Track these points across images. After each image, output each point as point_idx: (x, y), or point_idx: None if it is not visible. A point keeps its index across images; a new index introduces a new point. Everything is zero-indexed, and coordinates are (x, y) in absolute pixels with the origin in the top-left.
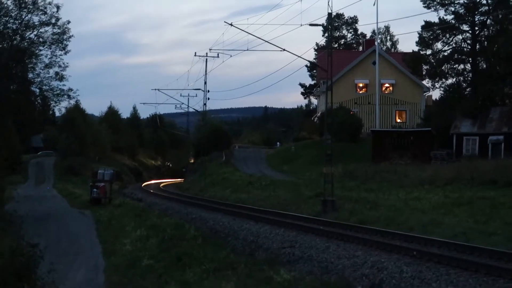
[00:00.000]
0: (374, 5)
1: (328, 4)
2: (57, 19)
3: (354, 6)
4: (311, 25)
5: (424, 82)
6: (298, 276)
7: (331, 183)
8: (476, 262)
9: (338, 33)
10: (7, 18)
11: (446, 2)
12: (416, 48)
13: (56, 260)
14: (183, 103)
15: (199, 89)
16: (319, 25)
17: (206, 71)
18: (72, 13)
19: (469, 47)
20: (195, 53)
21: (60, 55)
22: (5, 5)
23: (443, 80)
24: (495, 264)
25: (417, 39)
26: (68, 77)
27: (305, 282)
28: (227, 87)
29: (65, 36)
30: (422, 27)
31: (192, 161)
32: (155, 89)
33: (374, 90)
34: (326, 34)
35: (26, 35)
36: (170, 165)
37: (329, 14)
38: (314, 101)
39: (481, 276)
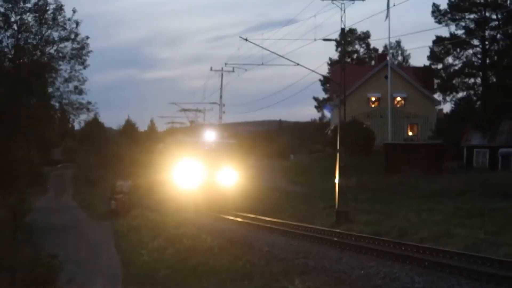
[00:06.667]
0: (386, 20)
1: (341, 20)
2: (76, 34)
3: (367, 21)
4: (324, 40)
5: (435, 95)
6: (313, 286)
7: (344, 194)
8: (487, 272)
9: (351, 47)
10: (28, 34)
11: (457, 17)
12: (427, 63)
13: (75, 270)
14: (199, 117)
15: (215, 102)
16: (333, 40)
17: (221, 85)
18: (93, 29)
19: (480, 61)
20: (211, 67)
21: (79, 69)
22: (26, 21)
23: (454, 93)
24: (505, 274)
25: (428, 54)
26: (87, 91)
27: None
28: (243, 101)
29: (84, 51)
30: (434, 42)
31: None
32: (172, 103)
33: (386, 103)
34: (339, 49)
35: (46, 50)
36: None
37: (342, 30)
38: (328, 114)
39: (491, 286)
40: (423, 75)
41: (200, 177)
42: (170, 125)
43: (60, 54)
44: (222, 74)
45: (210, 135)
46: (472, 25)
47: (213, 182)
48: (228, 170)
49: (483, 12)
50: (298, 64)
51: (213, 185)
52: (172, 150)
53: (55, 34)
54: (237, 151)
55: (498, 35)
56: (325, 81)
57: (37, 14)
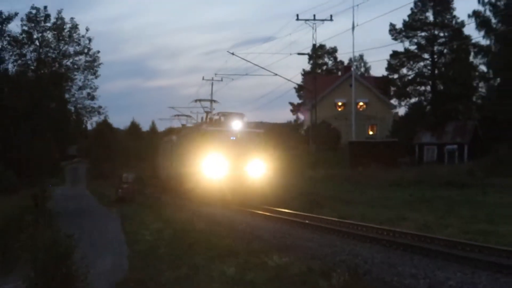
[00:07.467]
0: (352, 38)
1: (313, 37)
2: (89, 49)
3: (334, 38)
4: (298, 54)
5: (392, 101)
6: (288, 261)
7: (315, 184)
8: (435, 249)
9: (321, 60)
10: (48, 49)
11: (410, 35)
12: (385, 73)
13: (88, 248)
14: (193, 119)
15: (206, 107)
16: (306, 54)
17: (212, 92)
18: (104, 45)
19: (429, 72)
20: (203, 77)
21: (91, 79)
22: (46, 38)
23: (408, 99)
24: (450, 252)
25: (386, 66)
26: (98, 97)
27: (294, 266)
28: (229, 106)
29: (95, 63)
30: (391, 55)
31: None
32: (171, 107)
33: (350, 108)
34: (311, 62)
35: (63, 63)
36: None
37: (314, 45)
38: (301, 117)
39: (439, 261)
40: (382, 83)
41: (225, 169)
42: (176, 118)
43: (75, 66)
44: (212, 83)
45: (236, 124)
46: (423, 42)
47: (239, 175)
48: (256, 162)
49: (432, 31)
50: (276, 75)
51: (239, 178)
52: (193, 142)
53: (71, 49)
54: (265, 141)
55: (445, 50)
56: (299, 89)
57: (55, 32)
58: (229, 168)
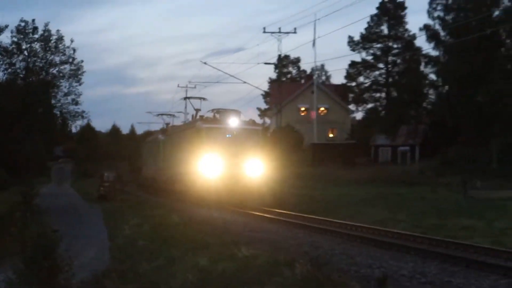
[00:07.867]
0: (313, 48)
1: (278, 48)
2: (74, 59)
3: (298, 49)
4: (265, 63)
5: (350, 106)
6: (256, 253)
7: (281, 183)
8: (389, 242)
9: (286, 69)
10: (36, 58)
11: (367, 46)
12: (344, 81)
13: (72, 242)
14: (169, 123)
15: (181, 111)
16: (272, 63)
17: (186, 98)
18: (87, 54)
19: (384, 80)
20: (178, 84)
21: (75, 86)
22: (34, 48)
23: (365, 105)
24: (403, 243)
25: (345, 74)
26: (82, 102)
27: (261, 258)
28: (202, 111)
29: (79, 72)
30: (349, 65)
31: None
32: (148, 112)
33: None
34: (277, 70)
35: (50, 71)
36: None
37: (279, 56)
38: (268, 121)
39: (393, 252)
40: (341, 90)
41: (221, 168)
42: (160, 117)
43: (61, 74)
44: (186, 90)
45: (233, 121)
46: (378, 52)
47: (236, 174)
48: (254, 161)
49: (387, 43)
50: (245, 82)
51: (236, 177)
52: (186, 140)
53: (57, 59)
54: (263, 138)
55: (398, 60)
56: (266, 95)
57: (43, 43)
58: (225, 167)
